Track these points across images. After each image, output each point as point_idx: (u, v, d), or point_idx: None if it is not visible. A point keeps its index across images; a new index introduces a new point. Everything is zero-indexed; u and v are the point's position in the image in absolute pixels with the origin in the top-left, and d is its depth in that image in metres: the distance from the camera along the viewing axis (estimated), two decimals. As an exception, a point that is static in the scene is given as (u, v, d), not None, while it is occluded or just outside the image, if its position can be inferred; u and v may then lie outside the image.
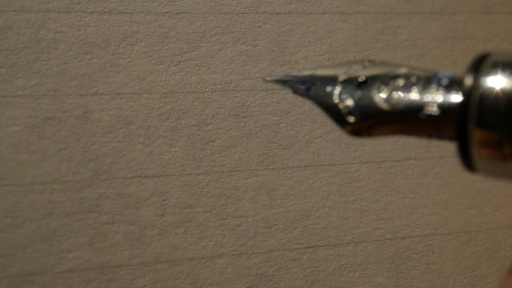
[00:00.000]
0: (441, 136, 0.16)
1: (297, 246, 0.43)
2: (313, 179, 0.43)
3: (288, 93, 0.43)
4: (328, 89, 0.18)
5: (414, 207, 0.46)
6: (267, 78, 0.22)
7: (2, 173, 0.38)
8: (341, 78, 0.18)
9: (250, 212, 0.42)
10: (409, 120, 0.17)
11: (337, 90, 0.18)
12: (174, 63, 0.41)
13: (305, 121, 0.43)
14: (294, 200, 0.43)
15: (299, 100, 0.43)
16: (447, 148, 0.46)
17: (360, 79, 0.18)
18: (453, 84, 0.16)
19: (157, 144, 0.41)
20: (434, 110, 0.16)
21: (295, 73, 0.20)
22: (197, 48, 0.41)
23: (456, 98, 0.16)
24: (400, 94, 0.17)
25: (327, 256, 0.44)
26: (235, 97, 0.42)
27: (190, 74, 0.41)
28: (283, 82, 0.20)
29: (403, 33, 0.45)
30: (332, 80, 0.19)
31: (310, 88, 0.19)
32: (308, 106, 0.43)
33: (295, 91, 0.20)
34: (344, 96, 0.18)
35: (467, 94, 0.15)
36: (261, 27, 0.42)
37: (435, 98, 0.16)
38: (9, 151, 0.38)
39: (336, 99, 0.18)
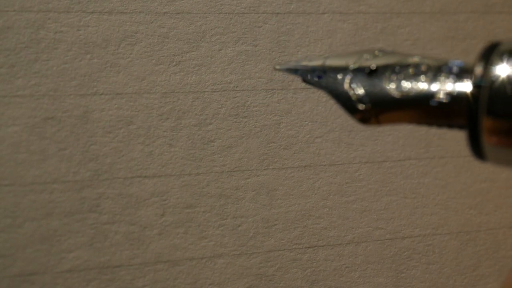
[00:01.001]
0: (451, 124, 0.16)
1: (297, 246, 0.43)
2: (313, 179, 0.43)
3: (288, 93, 0.43)
4: (339, 77, 0.18)
5: (414, 207, 0.46)
6: (277, 67, 0.21)
7: (2, 173, 0.38)
8: (352, 66, 0.18)
9: (250, 212, 0.42)
10: (419, 108, 0.17)
11: (348, 78, 0.18)
12: (174, 63, 0.41)
13: (305, 121, 0.43)
14: (294, 200, 0.43)
15: (299, 100, 0.43)
16: (447, 148, 0.46)
17: (371, 68, 0.18)
18: (463, 73, 0.16)
19: (157, 144, 0.41)
20: (444, 98, 0.16)
21: (306, 61, 0.20)
22: (197, 48, 0.41)
23: (466, 86, 0.16)
24: (411, 82, 0.17)
25: (327, 256, 0.44)
26: (235, 97, 0.42)
27: (190, 74, 0.41)
28: (294, 70, 0.20)
29: (403, 33, 0.45)
30: (343, 69, 0.19)
31: (321, 76, 0.19)
32: (308, 106, 0.43)
33: (306, 80, 0.20)
34: (354, 84, 0.18)
35: (477, 83, 0.15)
36: (261, 27, 0.42)
37: (446, 86, 0.16)
38: (9, 151, 0.38)
39: (346, 87, 0.18)
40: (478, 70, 0.15)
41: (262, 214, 0.42)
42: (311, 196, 0.43)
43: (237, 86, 0.42)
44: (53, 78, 0.39)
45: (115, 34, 0.40)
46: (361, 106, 0.18)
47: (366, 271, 0.44)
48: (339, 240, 0.44)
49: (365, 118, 0.18)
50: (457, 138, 0.45)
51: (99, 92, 0.40)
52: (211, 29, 0.42)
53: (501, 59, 0.15)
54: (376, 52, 0.19)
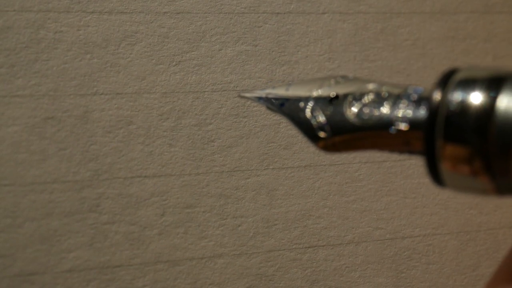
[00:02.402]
0: (411, 151, 0.16)
1: (297, 246, 0.43)
2: (313, 179, 0.43)
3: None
4: (301, 104, 0.19)
5: (414, 207, 0.46)
6: (242, 94, 0.22)
7: (2, 173, 0.38)
8: (314, 94, 0.19)
9: (250, 212, 0.42)
10: (379, 135, 0.17)
11: (310, 105, 0.18)
12: (174, 63, 0.41)
13: (305, 121, 0.43)
14: (294, 200, 0.43)
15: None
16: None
17: (331, 95, 0.18)
18: (422, 100, 0.16)
19: (157, 144, 0.41)
20: (403, 125, 0.16)
21: (269, 89, 0.20)
22: (197, 48, 0.41)
23: (424, 113, 0.16)
24: (371, 109, 0.17)
25: (327, 256, 0.44)
26: (235, 97, 0.42)
27: (190, 74, 0.41)
28: (258, 98, 0.21)
29: (403, 33, 0.45)
30: (305, 96, 0.19)
31: (284, 104, 0.19)
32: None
33: (269, 107, 0.20)
34: (316, 112, 0.18)
35: (433, 109, 0.15)
36: (261, 27, 0.42)
37: (405, 113, 0.16)
38: (9, 151, 0.38)
39: (308, 115, 0.18)
40: (435, 96, 0.15)
41: (262, 214, 0.42)
42: (311, 196, 0.43)
43: (237, 86, 0.42)
44: (53, 78, 0.39)
45: (115, 34, 0.40)
46: (322, 134, 0.18)
47: (366, 271, 0.44)
48: (339, 240, 0.44)
49: (326, 145, 0.18)
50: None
51: (99, 92, 0.40)
52: (211, 29, 0.42)
53: (458, 86, 0.15)
54: (339, 79, 0.19)
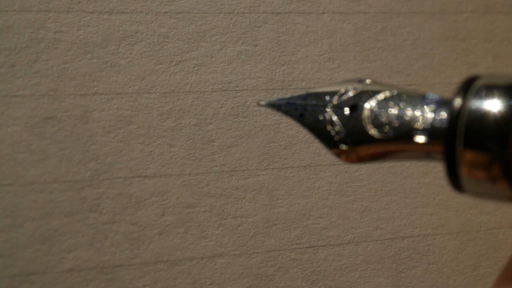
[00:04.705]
0: (431, 158, 0.17)
1: (297, 246, 0.43)
2: (313, 179, 0.43)
3: (288, 93, 0.43)
4: (320, 116, 0.19)
5: (415, 207, 0.46)
6: (261, 103, 0.22)
7: (2, 173, 0.38)
8: (333, 103, 0.19)
9: (250, 212, 0.42)
10: (400, 146, 0.17)
11: (328, 116, 0.19)
12: (174, 63, 0.41)
13: (305, 121, 0.43)
14: (294, 200, 0.43)
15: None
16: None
17: (350, 104, 0.18)
18: (441, 107, 0.16)
19: (157, 144, 0.41)
20: (423, 135, 0.16)
21: (287, 97, 0.20)
22: (197, 48, 0.41)
23: (444, 120, 0.16)
24: (390, 119, 0.17)
25: (328, 256, 0.44)
26: (235, 97, 0.42)
27: (190, 74, 0.41)
28: (277, 106, 0.21)
29: (403, 33, 0.45)
30: (323, 105, 0.19)
31: (303, 114, 0.19)
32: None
33: (288, 116, 0.20)
34: (335, 122, 0.18)
35: (454, 116, 0.15)
36: (261, 27, 0.42)
37: (424, 121, 0.16)
38: (9, 151, 0.38)
39: (328, 126, 0.18)
40: (456, 103, 0.15)
41: (262, 214, 0.42)
42: (311, 196, 0.43)
43: (237, 86, 0.42)
44: (53, 78, 0.39)
45: (115, 34, 0.40)
46: (343, 147, 0.18)
47: (366, 271, 0.44)
48: (339, 240, 0.44)
49: (349, 158, 0.18)
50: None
51: (99, 92, 0.40)
52: (211, 29, 0.42)
53: (478, 93, 0.15)
54: (356, 85, 0.19)
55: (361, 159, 0.18)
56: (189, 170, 0.41)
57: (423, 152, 0.16)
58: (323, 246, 0.43)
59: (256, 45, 0.42)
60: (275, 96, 0.43)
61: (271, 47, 0.43)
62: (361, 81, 0.19)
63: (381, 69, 0.45)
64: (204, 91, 0.41)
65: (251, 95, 0.42)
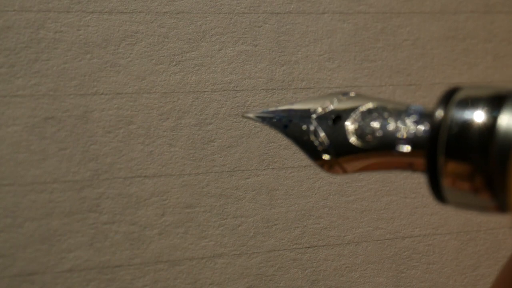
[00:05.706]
0: (414, 169, 0.17)
1: (298, 246, 0.43)
2: (313, 179, 0.43)
3: (288, 93, 0.43)
4: (304, 127, 0.19)
5: (415, 207, 0.46)
6: (246, 115, 0.22)
7: (2, 173, 0.38)
8: (316, 114, 0.19)
9: (250, 212, 0.42)
10: (383, 156, 0.17)
11: (312, 127, 0.19)
12: (174, 63, 0.41)
13: (305, 121, 0.43)
14: (294, 200, 0.43)
15: (299, 99, 0.43)
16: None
17: (334, 115, 0.18)
18: (423, 118, 0.16)
19: (157, 144, 0.41)
20: (405, 145, 0.16)
21: (273, 109, 0.21)
22: (197, 48, 0.41)
23: (426, 131, 0.16)
24: (373, 129, 0.17)
25: (328, 256, 0.44)
26: (235, 97, 0.42)
27: (190, 74, 0.41)
28: (261, 119, 0.21)
29: (403, 33, 0.45)
30: (307, 117, 0.19)
31: (287, 125, 0.20)
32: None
33: (273, 127, 0.20)
34: (319, 133, 0.18)
35: (436, 127, 0.15)
36: (261, 27, 0.42)
37: (407, 132, 0.16)
38: (9, 151, 0.38)
39: (311, 137, 0.18)
40: (438, 114, 0.15)
41: (262, 214, 0.42)
42: (311, 196, 0.43)
43: (237, 86, 0.42)
44: (53, 78, 0.39)
45: (115, 34, 0.40)
46: (326, 157, 0.18)
47: (366, 271, 0.44)
48: (339, 240, 0.44)
49: (331, 168, 0.18)
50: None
51: (99, 92, 0.40)
52: (211, 29, 0.42)
53: (460, 105, 0.15)
54: (340, 97, 0.19)
55: (345, 170, 0.18)
56: (189, 170, 0.41)
57: (405, 163, 0.17)
58: (323, 246, 0.43)
59: (256, 45, 0.42)
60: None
61: (271, 47, 0.43)
62: (345, 94, 0.19)
63: (381, 69, 0.45)
64: (204, 91, 0.41)
65: (251, 95, 0.42)
